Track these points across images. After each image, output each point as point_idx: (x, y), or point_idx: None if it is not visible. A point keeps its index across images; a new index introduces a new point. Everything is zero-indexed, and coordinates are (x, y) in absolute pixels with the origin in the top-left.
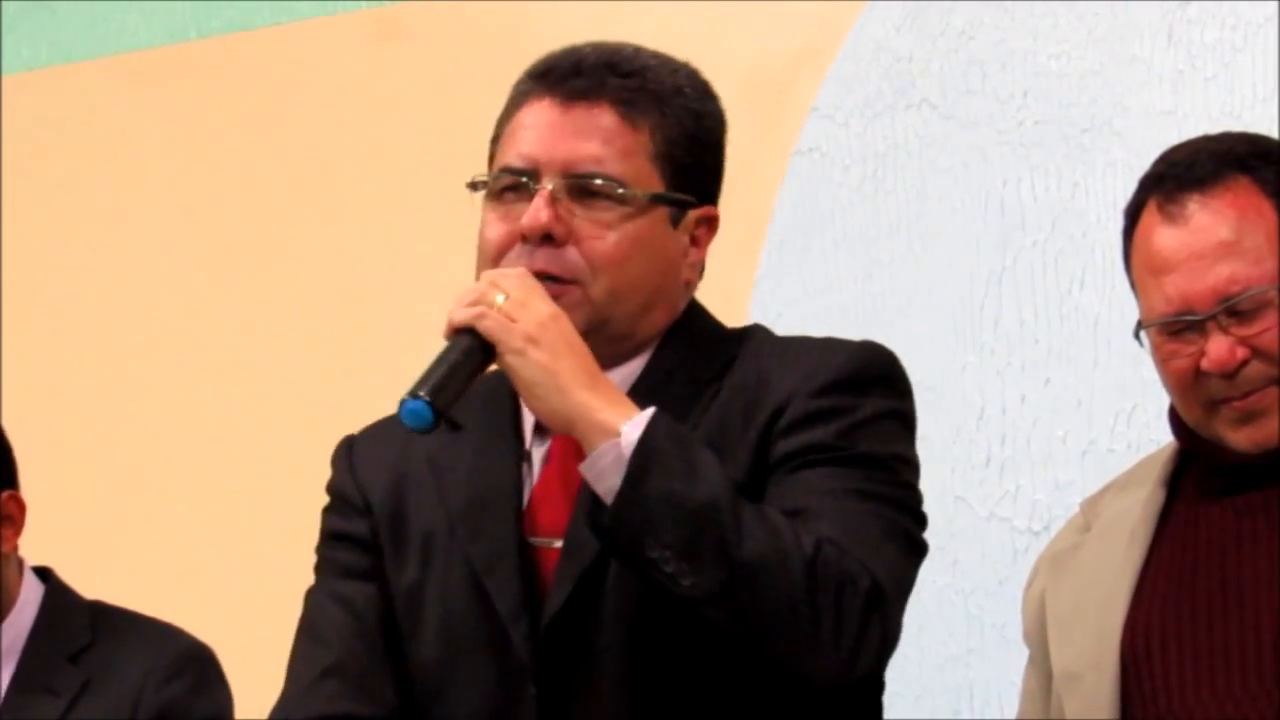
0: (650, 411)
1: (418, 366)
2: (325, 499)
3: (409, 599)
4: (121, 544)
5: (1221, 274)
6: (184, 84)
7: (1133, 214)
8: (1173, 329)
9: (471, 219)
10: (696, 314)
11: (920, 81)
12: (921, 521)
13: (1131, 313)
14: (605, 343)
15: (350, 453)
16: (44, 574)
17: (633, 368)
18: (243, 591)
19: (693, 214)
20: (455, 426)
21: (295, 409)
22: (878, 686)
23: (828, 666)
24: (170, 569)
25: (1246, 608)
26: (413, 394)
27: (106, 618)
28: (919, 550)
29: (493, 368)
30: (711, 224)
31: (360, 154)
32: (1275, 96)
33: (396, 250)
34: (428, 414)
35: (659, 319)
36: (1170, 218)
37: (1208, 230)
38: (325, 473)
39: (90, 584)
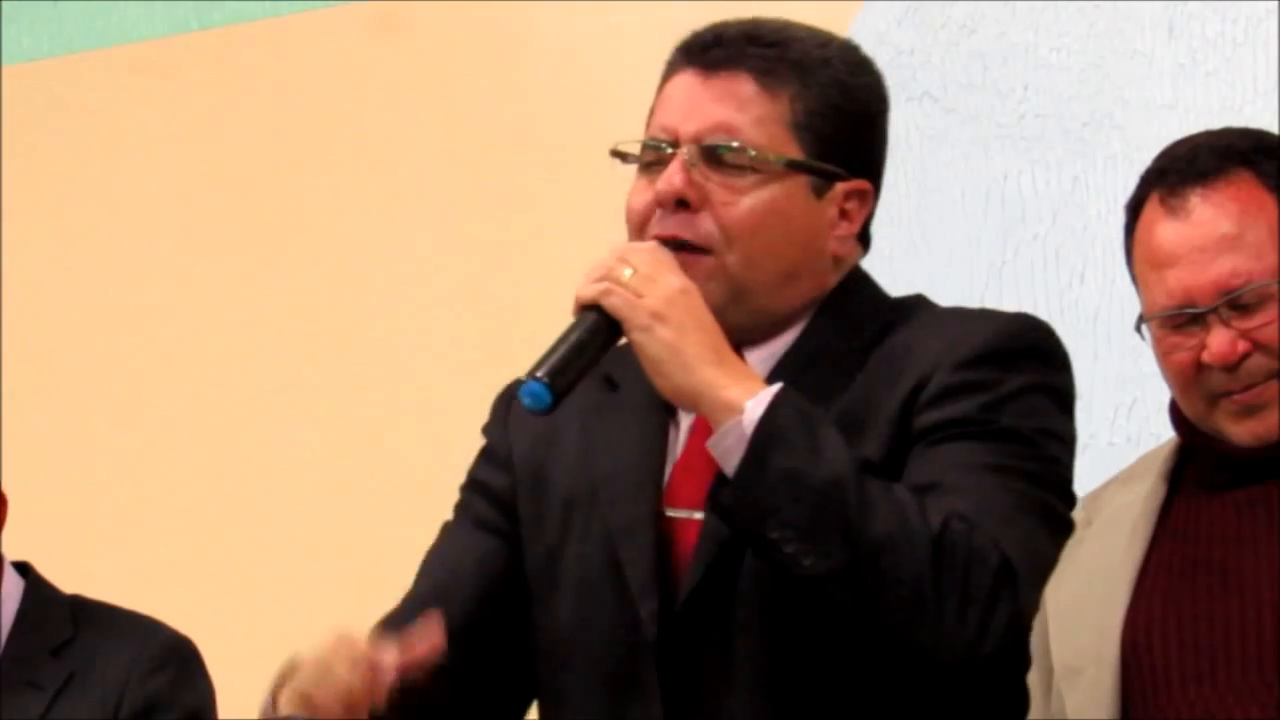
0: (776, 388)
1: (418, 359)
2: (310, 493)
3: (545, 567)
4: (100, 539)
5: (1223, 267)
6: (185, 75)
7: (1134, 208)
8: (1174, 322)
9: (475, 210)
10: (854, 288)
11: (921, 75)
12: (1067, 498)
13: (1132, 307)
14: (748, 315)
15: (509, 401)
16: (23, 569)
17: (781, 343)
18: (223, 586)
19: (840, 186)
20: (612, 385)
21: (297, 404)
22: (1019, 660)
23: (954, 647)
24: (149, 564)
25: (1248, 603)
26: (531, 374)
27: (88, 612)
28: (1061, 527)
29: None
30: (864, 198)
31: (361, 146)
32: (1276, 90)
33: (397, 242)
34: (546, 396)
35: (804, 292)
36: (1172, 211)
37: (1209, 224)
38: (315, 466)
39: (66, 579)
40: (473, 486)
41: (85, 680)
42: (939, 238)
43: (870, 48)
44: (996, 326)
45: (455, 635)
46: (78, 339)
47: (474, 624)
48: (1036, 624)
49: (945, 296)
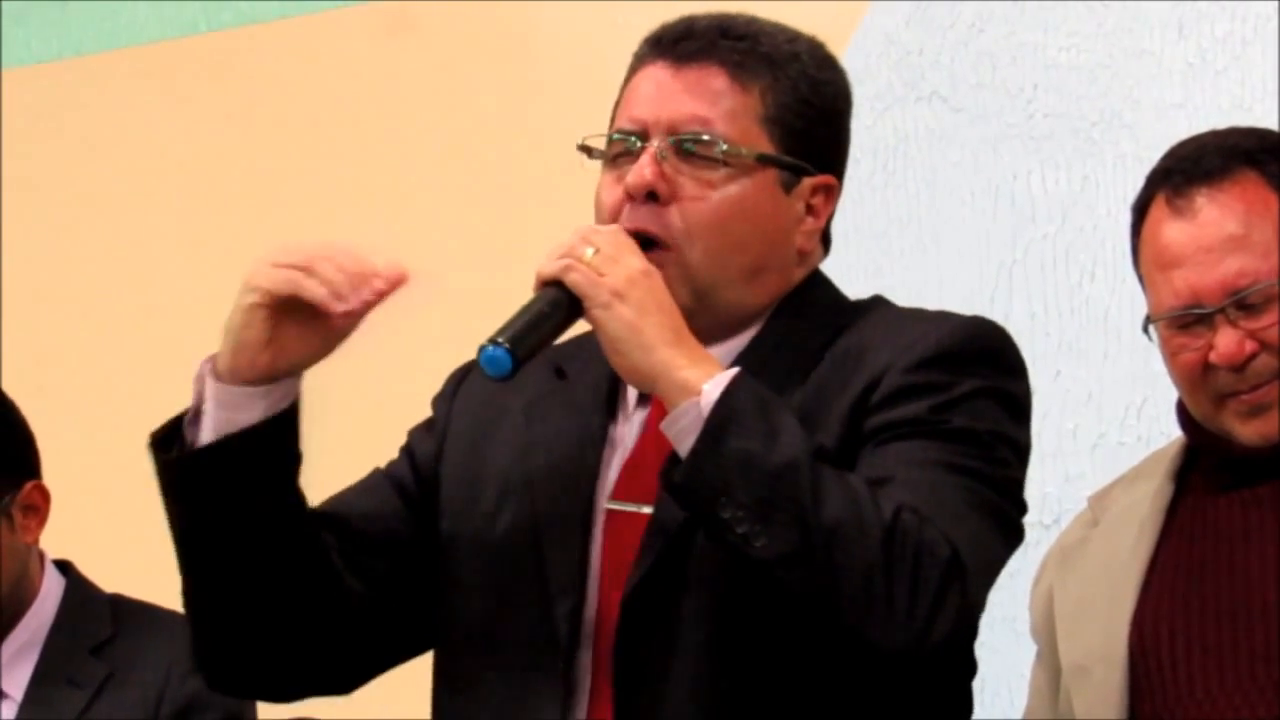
0: (733, 371)
1: (428, 356)
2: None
3: (467, 541)
4: (137, 539)
5: (1230, 267)
6: (194, 77)
7: (1141, 208)
8: (1181, 322)
9: (482, 210)
10: (815, 285)
11: (930, 74)
12: (1017, 504)
13: (1141, 306)
14: (712, 313)
15: (461, 379)
16: (64, 567)
17: (741, 340)
18: None
19: (808, 181)
20: (561, 375)
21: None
22: (967, 668)
23: (901, 637)
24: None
25: (1255, 601)
26: (492, 340)
27: (128, 611)
28: (1011, 529)
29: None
30: (830, 194)
31: (368, 147)
32: None
33: (405, 242)
34: (506, 361)
35: (769, 288)
36: (1178, 212)
37: (1216, 224)
38: (332, 464)
39: (106, 578)
40: (406, 448)
41: (124, 679)
42: (948, 237)
43: (879, 48)
44: (950, 329)
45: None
46: (83, 342)
47: (364, 541)
48: (1044, 624)
49: (954, 295)
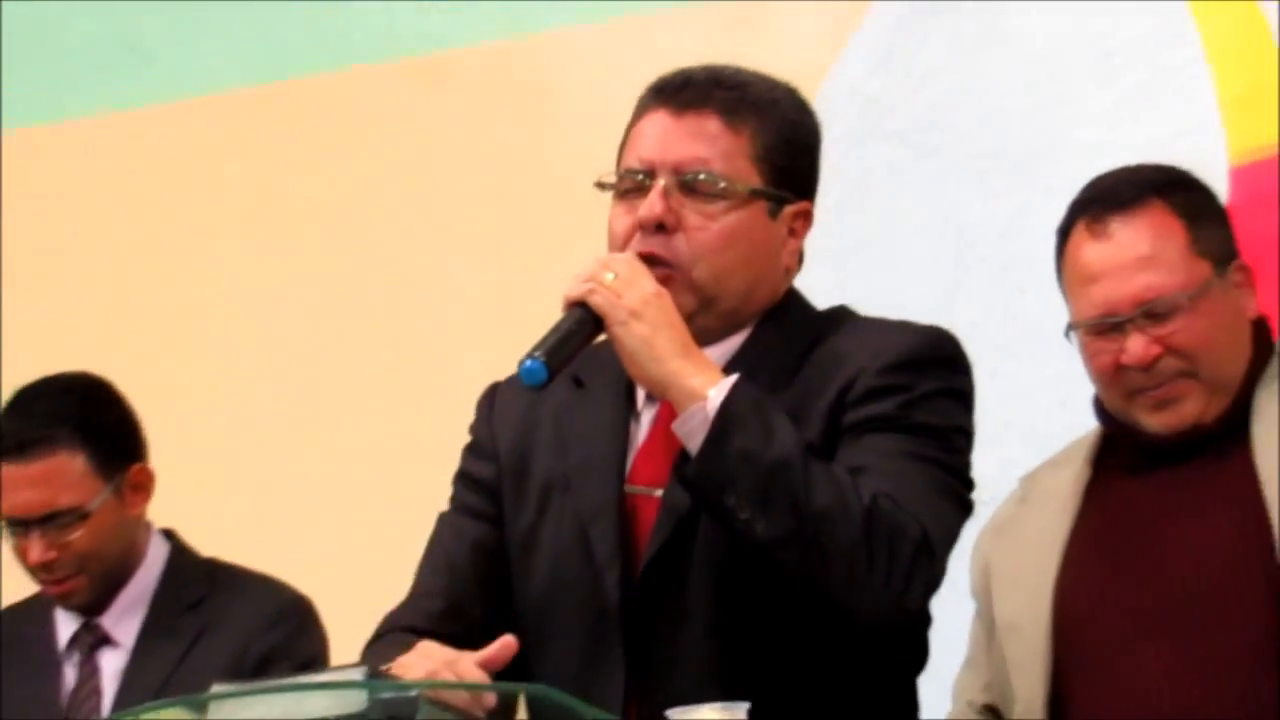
0: (734, 378)
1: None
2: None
3: (524, 541)
4: (233, 510)
5: (1140, 283)
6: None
7: (1064, 232)
8: (1098, 329)
9: (523, 249)
10: (794, 298)
11: (888, 118)
12: (968, 484)
13: (1065, 316)
14: (715, 318)
15: (491, 401)
16: (168, 535)
17: (735, 342)
18: (333, 550)
19: (789, 208)
20: (580, 384)
21: (354, 446)
22: (923, 620)
23: (881, 604)
24: (273, 531)
25: (1165, 567)
26: (530, 355)
27: (221, 573)
28: (965, 507)
29: (602, 337)
30: (807, 218)
31: (403, 194)
32: (1194, 131)
33: (435, 258)
34: (542, 373)
35: (762, 298)
36: (1096, 235)
37: (1128, 246)
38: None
39: (206, 544)
40: (463, 479)
41: (216, 632)
42: (904, 258)
43: (845, 95)
44: (911, 338)
45: (458, 610)
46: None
47: (474, 598)
48: (981, 586)
49: (907, 307)
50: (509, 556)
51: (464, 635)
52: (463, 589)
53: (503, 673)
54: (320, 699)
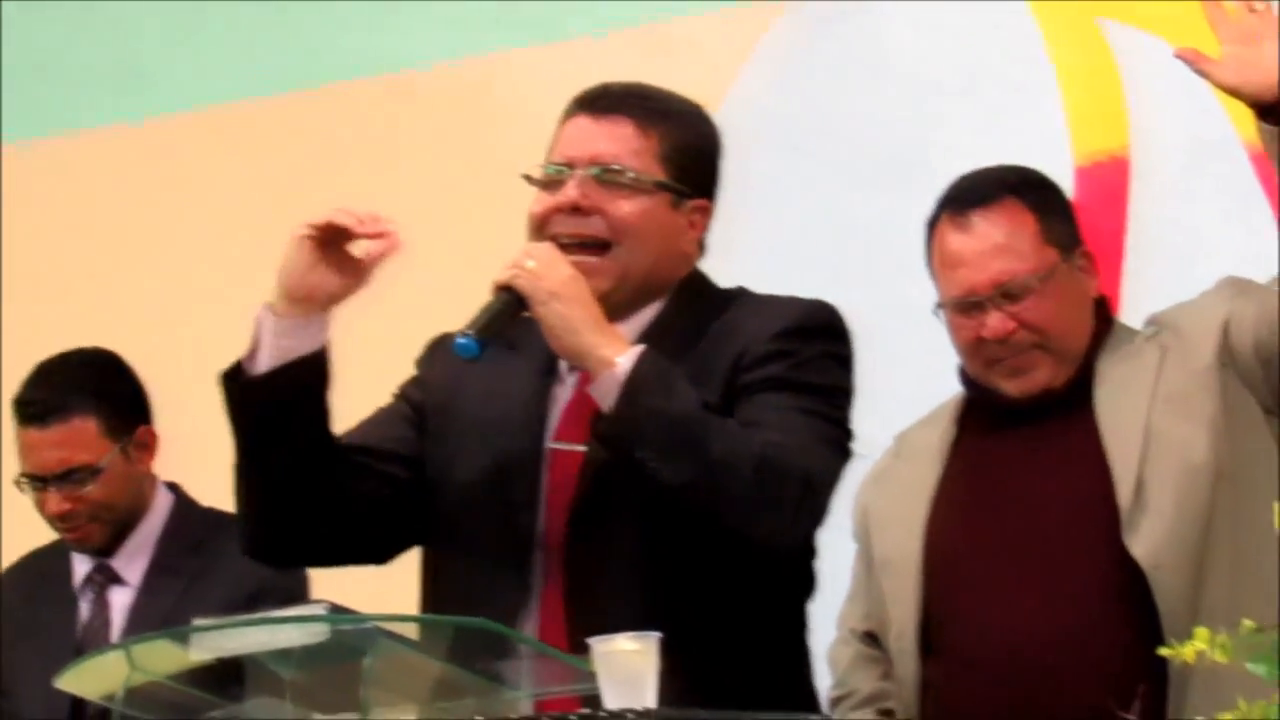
0: (641, 348)
1: (414, 335)
2: None
3: (441, 467)
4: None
5: (997, 267)
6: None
7: (932, 225)
8: (962, 308)
9: (480, 258)
10: (697, 277)
11: (784, 127)
12: (849, 433)
13: (935, 297)
14: (626, 293)
15: (438, 345)
16: (172, 487)
17: (646, 315)
18: None
19: (690, 202)
20: (511, 346)
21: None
22: (810, 551)
23: (771, 534)
24: None
25: (1020, 511)
26: (463, 333)
27: (219, 520)
28: (845, 453)
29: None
30: (706, 213)
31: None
32: (1044, 137)
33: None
34: (474, 348)
35: (665, 278)
36: (959, 226)
37: (987, 236)
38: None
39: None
40: (401, 394)
41: (213, 571)
42: (796, 249)
43: (746, 107)
44: (798, 310)
45: (375, 458)
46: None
47: (389, 458)
48: (861, 528)
49: (801, 289)
50: (424, 466)
51: (370, 470)
52: (381, 443)
53: (429, 589)
54: (288, 631)
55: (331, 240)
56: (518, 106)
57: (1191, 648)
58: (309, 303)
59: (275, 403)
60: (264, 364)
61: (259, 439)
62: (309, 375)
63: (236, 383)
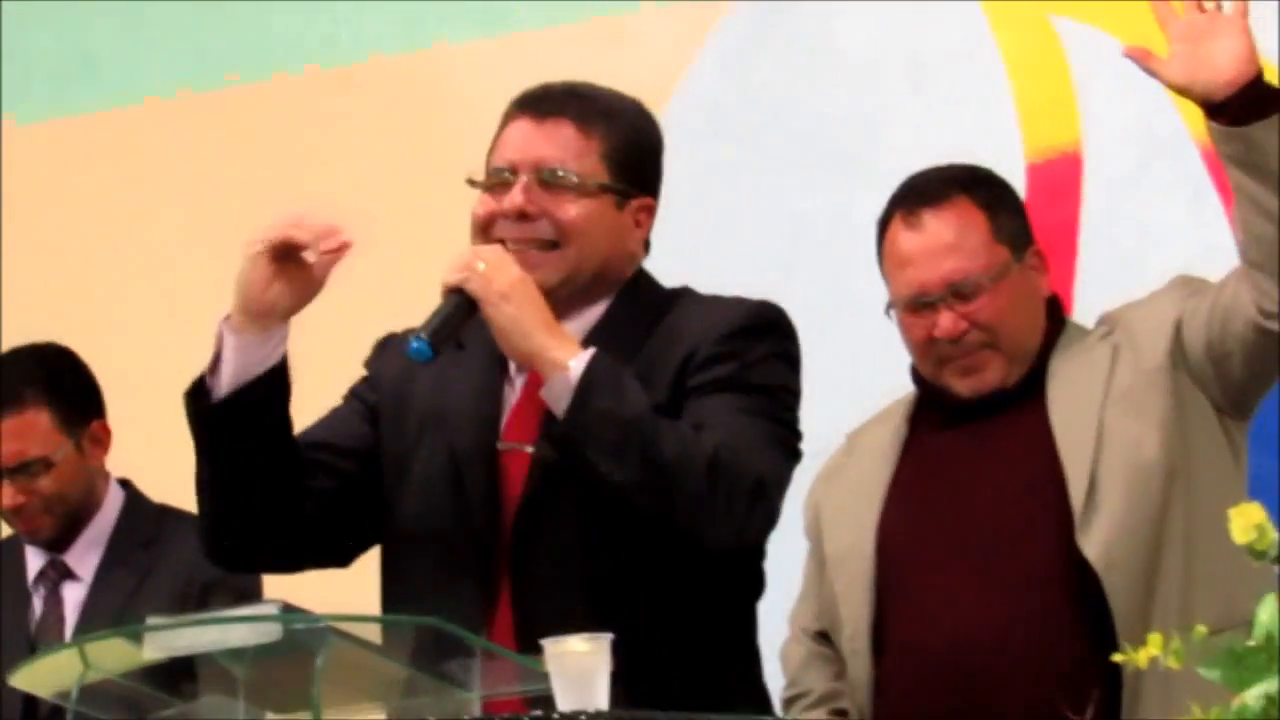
0: (592, 351)
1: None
2: None
3: (397, 464)
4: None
5: (948, 267)
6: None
7: (883, 223)
8: (913, 307)
9: (422, 250)
10: (642, 276)
11: (730, 122)
12: (797, 434)
13: (886, 296)
14: (572, 292)
15: (385, 344)
16: (124, 484)
17: (592, 314)
18: None
19: (634, 201)
20: (460, 346)
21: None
22: (759, 554)
23: (723, 536)
24: None
25: (970, 508)
26: (416, 336)
27: (170, 516)
28: (794, 455)
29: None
30: (650, 211)
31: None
32: (995, 133)
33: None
34: (427, 351)
35: (611, 277)
36: (910, 225)
37: (938, 235)
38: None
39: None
40: (354, 394)
41: (165, 567)
42: (745, 243)
43: (694, 101)
44: (744, 311)
45: (333, 454)
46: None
47: (347, 454)
48: (813, 526)
49: (749, 289)
50: (380, 466)
51: (328, 467)
52: (338, 442)
53: (386, 589)
54: (241, 630)
55: (286, 254)
56: (467, 100)
57: (1145, 653)
58: (269, 317)
59: (239, 419)
60: (226, 383)
61: (223, 453)
62: (271, 390)
63: (200, 403)
